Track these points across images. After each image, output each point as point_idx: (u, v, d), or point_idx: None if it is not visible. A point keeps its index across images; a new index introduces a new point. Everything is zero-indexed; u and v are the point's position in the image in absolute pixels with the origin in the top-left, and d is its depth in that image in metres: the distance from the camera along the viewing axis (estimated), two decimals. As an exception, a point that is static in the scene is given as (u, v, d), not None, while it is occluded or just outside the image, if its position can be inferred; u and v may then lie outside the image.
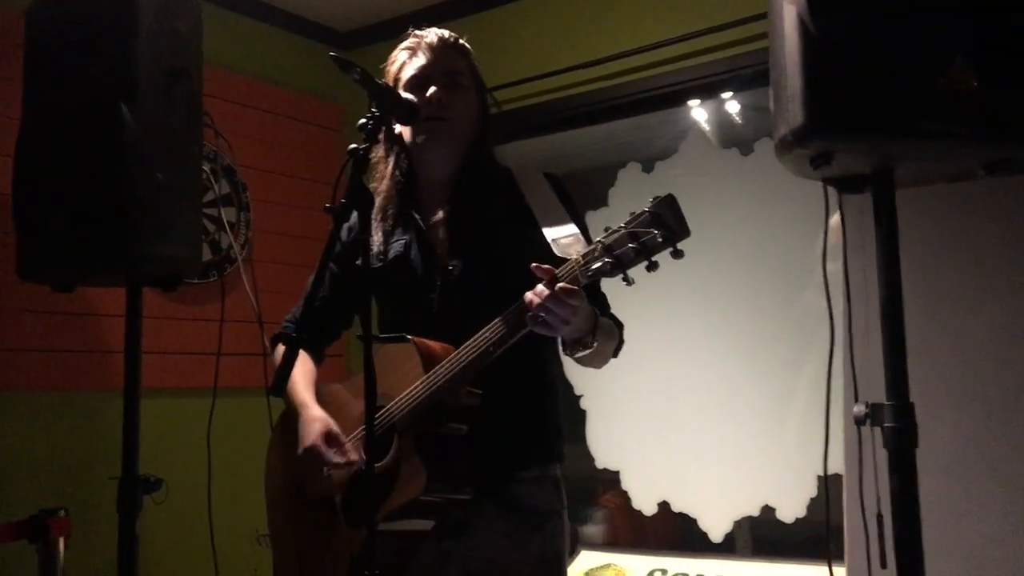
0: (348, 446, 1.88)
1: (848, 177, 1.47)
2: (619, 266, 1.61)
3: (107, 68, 1.81)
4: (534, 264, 1.65)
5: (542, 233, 1.80)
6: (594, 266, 1.63)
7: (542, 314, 1.63)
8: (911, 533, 1.39)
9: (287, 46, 4.04)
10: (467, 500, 1.81)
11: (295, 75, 4.03)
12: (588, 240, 1.78)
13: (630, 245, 1.60)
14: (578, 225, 1.86)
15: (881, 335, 1.43)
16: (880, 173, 1.44)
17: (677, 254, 1.59)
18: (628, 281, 1.62)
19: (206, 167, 2.22)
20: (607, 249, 1.62)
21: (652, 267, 1.61)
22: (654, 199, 1.61)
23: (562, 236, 1.77)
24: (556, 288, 1.62)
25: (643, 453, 3.64)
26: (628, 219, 1.63)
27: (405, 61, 1.99)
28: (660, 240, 1.58)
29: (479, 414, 1.80)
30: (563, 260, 1.69)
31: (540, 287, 1.64)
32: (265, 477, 2.13)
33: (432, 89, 1.93)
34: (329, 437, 1.87)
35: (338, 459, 1.85)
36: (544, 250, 1.73)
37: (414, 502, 1.76)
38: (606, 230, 1.65)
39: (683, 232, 1.59)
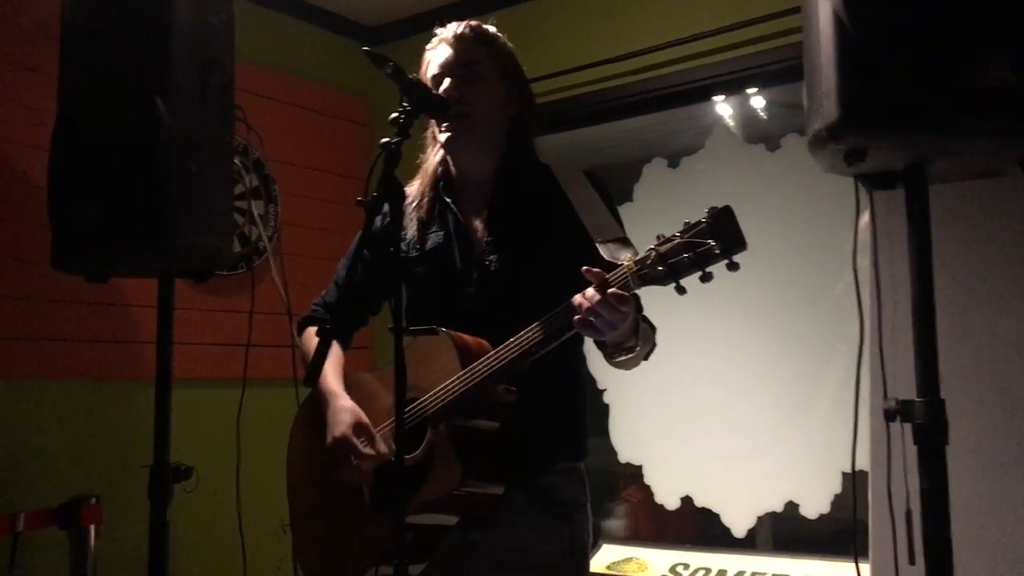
0: (378, 437, 1.89)
1: (881, 173, 1.46)
2: (673, 275, 1.59)
3: (142, 60, 1.83)
4: (585, 268, 1.64)
5: (586, 234, 1.77)
6: (648, 273, 1.61)
7: (591, 318, 1.63)
8: (940, 530, 1.38)
9: (315, 41, 4.06)
10: (499, 496, 1.82)
11: (323, 70, 4.05)
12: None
13: (685, 255, 1.58)
14: (620, 227, 1.85)
15: (912, 331, 1.43)
16: (913, 169, 1.43)
17: (733, 266, 1.57)
18: (681, 290, 1.61)
19: (236, 160, 2.23)
20: (661, 257, 1.60)
21: (706, 278, 1.58)
22: (710, 209, 1.58)
23: (610, 240, 1.74)
24: (608, 293, 1.61)
25: (666, 448, 3.64)
26: (683, 228, 1.60)
27: (429, 60, 2.00)
28: (717, 252, 1.56)
29: (514, 410, 1.81)
30: (612, 264, 1.67)
31: (591, 291, 1.63)
32: (288, 462, 2.14)
33: (446, 83, 1.94)
34: (359, 428, 1.88)
35: (368, 451, 1.86)
36: (589, 252, 1.72)
37: (447, 497, 1.77)
38: (659, 238, 1.63)
39: (740, 244, 1.56)
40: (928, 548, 1.39)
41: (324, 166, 3.95)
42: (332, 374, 1.99)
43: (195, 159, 1.86)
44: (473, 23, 2.00)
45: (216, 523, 2.55)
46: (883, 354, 1.57)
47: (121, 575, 2.82)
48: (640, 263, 1.62)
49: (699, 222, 1.59)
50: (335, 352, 2.05)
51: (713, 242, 1.56)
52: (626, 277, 1.63)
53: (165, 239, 1.83)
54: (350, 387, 2.01)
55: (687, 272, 1.58)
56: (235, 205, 2.18)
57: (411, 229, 2.01)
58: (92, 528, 2.62)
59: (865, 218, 1.65)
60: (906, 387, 1.46)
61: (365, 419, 1.90)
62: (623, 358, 1.83)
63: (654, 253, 1.61)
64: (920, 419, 1.40)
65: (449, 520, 1.84)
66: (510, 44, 2.04)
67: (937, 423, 1.39)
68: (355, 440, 1.86)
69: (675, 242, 1.60)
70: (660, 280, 1.61)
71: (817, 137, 1.37)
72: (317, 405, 2.00)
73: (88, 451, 3.00)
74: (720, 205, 1.59)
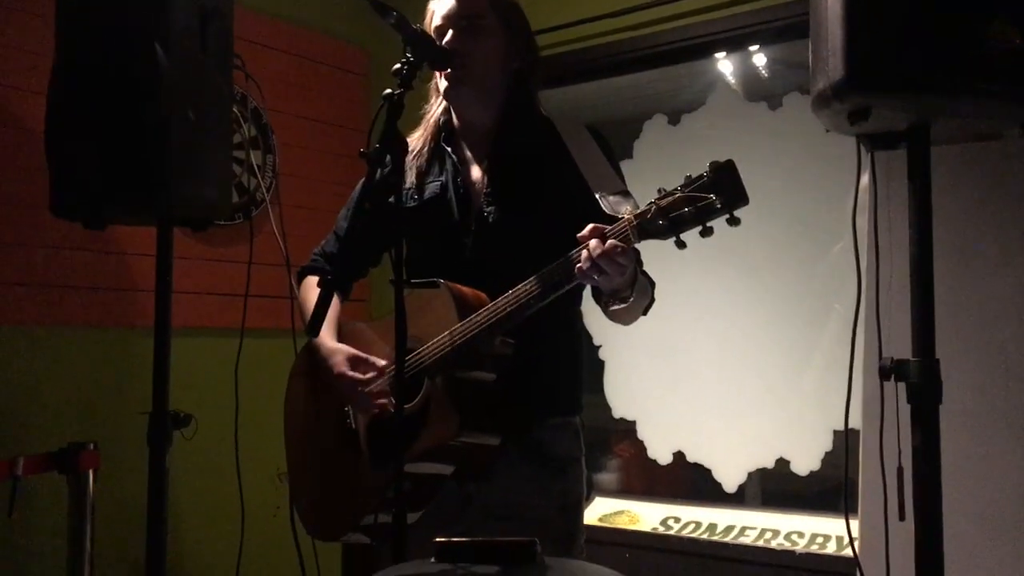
0: (375, 358, 1.91)
1: (883, 133, 1.46)
2: (673, 229, 1.59)
3: (141, 6, 1.81)
4: (580, 235, 1.65)
5: (587, 187, 1.76)
6: (648, 227, 1.61)
7: (591, 271, 1.63)
8: (932, 487, 1.41)
9: (316, -11, 4.01)
10: (494, 447, 1.84)
11: (323, 19, 4.00)
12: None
13: (686, 209, 1.57)
14: (622, 181, 1.84)
15: (910, 290, 1.44)
16: (916, 129, 1.43)
17: (734, 221, 1.56)
18: (681, 245, 1.61)
19: (235, 109, 2.22)
20: (662, 211, 1.59)
21: (707, 232, 1.58)
22: (712, 163, 1.57)
23: (610, 193, 1.73)
24: (608, 244, 1.61)
25: (659, 404, 3.67)
26: (684, 182, 1.59)
27: (433, 11, 1.99)
28: (719, 206, 1.55)
29: (510, 363, 1.82)
30: (612, 218, 1.66)
31: (593, 242, 1.63)
32: (285, 412, 2.17)
33: (448, 35, 1.93)
34: (354, 360, 1.91)
35: (370, 375, 1.88)
36: (590, 205, 1.71)
37: (443, 446, 1.79)
38: (660, 191, 1.62)
39: (742, 199, 1.54)
40: (918, 505, 1.41)
41: (323, 117, 3.92)
42: (326, 327, 1.99)
43: (194, 107, 1.85)
44: None
45: (214, 470, 2.57)
46: (879, 313, 1.58)
47: (119, 520, 2.86)
48: (640, 216, 1.62)
49: (700, 176, 1.58)
50: (333, 303, 2.06)
51: (714, 196, 1.55)
52: (626, 230, 1.63)
53: (163, 187, 1.83)
54: (347, 336, 2.03)
55: (688, 226, 1.58)
56: (233, 155, 2.17)
57: (410, 177, 2.01)
58: (91, 473, 2.64)
59: (865, 179, 1.65)
60: (900, 347, 1.47)
61: (356, 352, 1.93)
62: (618, 307, 1.83)
63: (654, 207, 1.61)
64: (915, 378, 1.41)
65: (445, 470, 1.87)
66: None
67: (932, 382, 1.41)
68: (352, 372, 1.89)
69: (676, 196, 1.59)
70: (660, 234, 1.60)
71: (821, 95, 1.37)
72: (312, 356, 2.02)
73: (87, 398, 3.02)
74: (723, 159, 1.58)
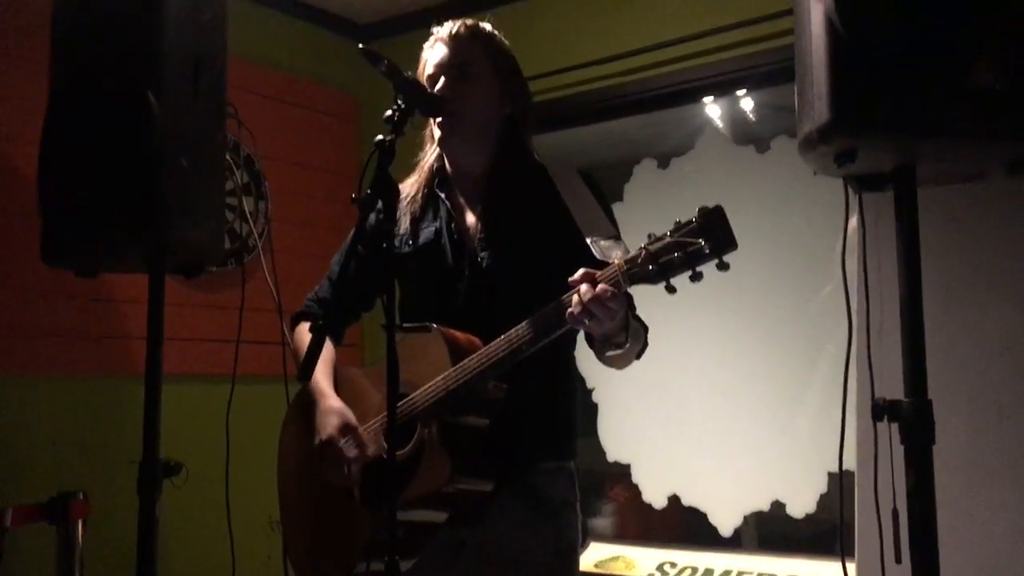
0: (366, 437, 1.90)
1: (870, 175, 1.47)
2: (663, 274, 1.59)
3: (134, 55, 1.82)
4: (571, 279, 1.65)
5: (579, 233, 1.77)
6: (638, 272, 1.61)
7: (583, 316, 1.63)
8: (927, 529, 1.40)
9: (307, 37, 4.06)
10: (488, 492, 1.83)
11: (314, 66, 4.05)
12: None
13: (676, 254, 1.57)
14: (614, 226, 1.84)
15: (900, 331, 1.44)
16: (902, 170, 1.44)
17: (723, 266, 1.56)
18: (671, 290, 1.61)
19: (227, 156, 2.23)
20: (652, 256, 1.60)
21: (696, 277, 1.58)
22: (701, 209, 1.58)
23: (602, 238, 1.73)
24: (599, 289, 1.62)
25: (654, 447, 3.66)
26: (673, 227, 1.60)
27: (426, 59, 2.01)
28: (707, 251, 1.55)
29: (503, 407, 1.81)
30: (603, 263, 1.67)
31: (584, 287, 1.63)
32: (278, 458, 2.15)
33: (440, 83, 1.94)
34: (346, 429, 1.89)
35: (354, 453, 1.87)
36: (582, 251, 1.72)
37: (436, 493, 1.78)
38: (650, 237, 1.63)
39: (730, 244, 1.55)
40: (914, 547, 1.40)
41: (314, 163, 3.95)
42: (323, 372, 1.99)
43: (186, 154, 1.85)
44: (469, 22, 2.01)
45: (205, 519, 2.55)
46: (871, 354, 1.58)
47: (109, 570, 2.82)
48: (631, 262, 1.62)
49: (690, 221, 1.58)
50: (327, 348, 2.05)
51: (703, 241, 1.55)
52: (616, 275, 1.63)
53: (155, 234, 1.83)
54: (340, 383, 2.02)
55: (677, 271, 1.58)
56: (226, 201, 2.18)
57: (404, 223, 2.02)
58: (80, 523, 2.61)
59: (854, 221, 1.67)
60: (892, 388, 1.47)
61: (352, 420, 1.91)
62: (613, 353, 1.83)
63: (644, 252, 1.61)
64: (907, 418, 1.41)
65: (438, 517, 1.85)
66: (507, 42, 2.05)
67: (924, 422, 1.41)
68: (342, 443, 1.87)
69: (665, 241, 1.60)
70: (650, 279, 1.61)
71: (808, 138, 1.38)
72: (307, 402, 2.01)
73: (76, 447, 2.99)
74: (711, 205, 1.59)
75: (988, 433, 2.24)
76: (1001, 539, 2.21)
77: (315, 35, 4.09)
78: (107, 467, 2.91)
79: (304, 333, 2.11)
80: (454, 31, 1.99)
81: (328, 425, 1.90)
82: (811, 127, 1.36)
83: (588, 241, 1.73)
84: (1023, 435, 2.20)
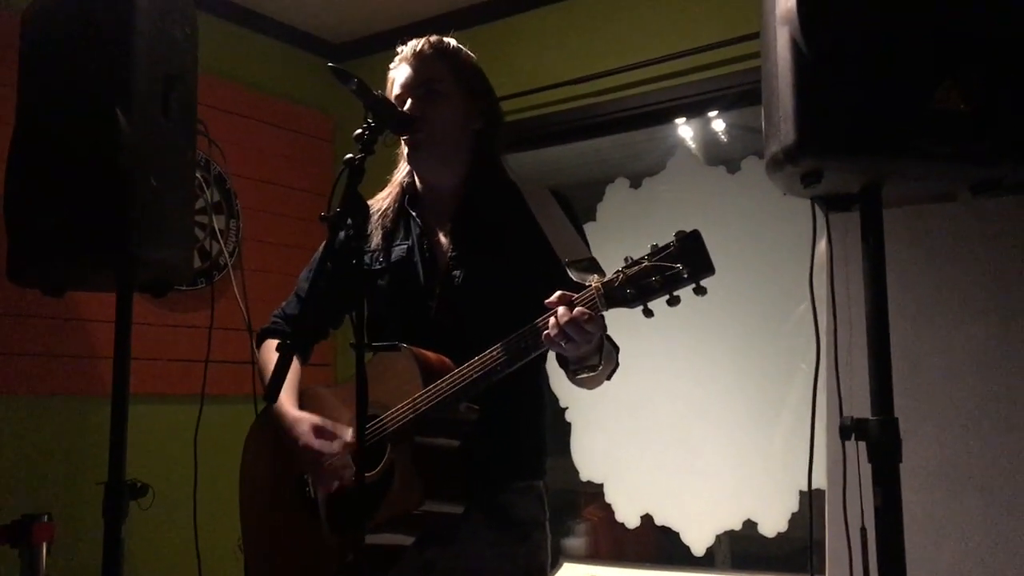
0: (340, 428, 1.87)
1: (836, 195, 1.49)
2: (640, 297, 1.59)
3: (104, 72, 1.81)
4: (547, 300, 1.65)
5: (552, 253, 1.76)
6: (615, 296, 1.61)
7: (558, 339, 1.62)
8: (895, 547, 1.40)
9: (279, 56, 4.06)
10: (458, 515, 1.81)
11: (286, 85, 4.05)
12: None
13: (653, 278, 1.57)
14: (586, 246, 1.84)
15: (867, 350, 1.45)
16: (868, 191, 1.46)
17: (700, 290, 1.56)
18: (648, 313, 1.61)
19: (198, 174, 2.22)
20: (630, 280, 1.59)
21: (673, 302, 1.58)
22: (678, 233, 1.58)
23: (577, 260, 1.72)
24: (576, 311, 1.61)
25: (627, 466, 3.66)
26: (651, 251, 1.60)
27: (393, 79, 2.01)
28: (685, 276, 1.55)
29: (475, 429, 1.80)
30: (579, 285, 1.66)
31: (561, 309, 1.63)
32: (240, 480, 2.11)
33: (407, 103, 1.94)
34: (319, 431, 1.87)
35: (335, 447, 1.85)
36: (556, 272, 1.71)
37: (406, 515, 1.76)
38: (627, 260, 1.62)
39: (708, 269, 1.55)
40: (882, 565, 1.41)
41: (286, 181, 3.93)
42: (285, 394, 1.95)
43: (156, 172, 1.84)
44: (433, 39, 2.00)
45: (172, 541, 2.51)
46: (839, 373, 1.59)
47: (73, 595, 2.77)
48: (608, 285, 1.62)
49: (667, 245, 1.58)
50: (293, 367, 2.03)
51: (681, 266, 1.55)
52: (594, 298, 1.63)
53: (123, 253, 1.81)
54: (308, 401, 2.00)
55: (655, 295, 1.58)
56: (196, 219, 2.16)
57: (375, 239, 2.01)
58: (44, 546, 2.56)
59: (822, 243, 1.68)
60: (862, 407, 1.48)
61: (320, 420, 1.89)
62: (585, 375, 1.83)
63: (622, 275, 1.61)
64: (874, 437, 1.42)
65: (406, 540, 1.83)
66: (473, 57, 2.05)
67: (891, 441, 1.41)
68: (320, 444, 1.85)
69: (643, 265, 1.59)
70: (627, 302, 1.60)
71: (774, 159, 1.40)
72: (269, 422, 1.99)
73: (41, 468, 2.95)
74: (688, 229, 1.58)
75: (958, 450, 2.26)
76: (970, 554, 2.22)
77: (289, 55, 4.09)
78: (72, 489, 2.87)
79: (271, 351, 2.08)
80: (418, 49, 1.98)
81: (301, 433, 1.88)
82: (777, 148, 1.37)
83: (564, 263, 1.72)
84: (992, 451, 2.22)
